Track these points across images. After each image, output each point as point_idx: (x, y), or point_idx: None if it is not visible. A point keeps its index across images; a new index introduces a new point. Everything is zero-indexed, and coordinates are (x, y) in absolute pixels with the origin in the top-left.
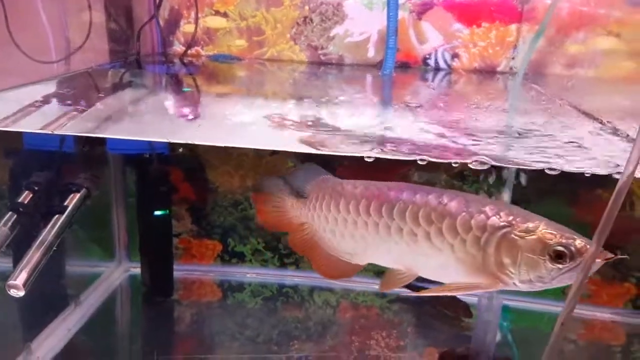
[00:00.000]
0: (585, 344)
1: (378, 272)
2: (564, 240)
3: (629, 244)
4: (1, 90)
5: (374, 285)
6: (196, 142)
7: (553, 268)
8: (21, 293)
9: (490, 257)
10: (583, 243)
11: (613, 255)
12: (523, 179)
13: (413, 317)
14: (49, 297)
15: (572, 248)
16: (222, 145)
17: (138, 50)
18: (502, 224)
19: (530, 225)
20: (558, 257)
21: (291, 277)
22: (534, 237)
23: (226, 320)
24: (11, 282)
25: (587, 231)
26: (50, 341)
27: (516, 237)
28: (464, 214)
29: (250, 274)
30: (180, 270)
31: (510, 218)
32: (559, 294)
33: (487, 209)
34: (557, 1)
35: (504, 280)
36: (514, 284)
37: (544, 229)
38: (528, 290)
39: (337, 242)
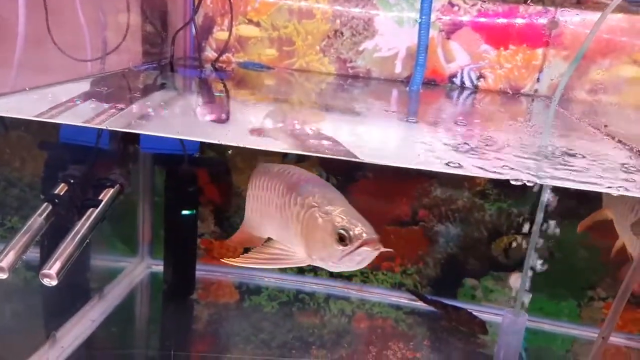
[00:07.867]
0: None
1: (394, 284)
2: (347, 224)
3: None
4: (45, 85)
5: (390, 297)
6: (231, 144)
7: (338, 249)
8: (54, 282)
9: (301, 229)
10: (361, 231)
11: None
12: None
13: (428, 331)
14: (74, 288)
15: (351, 233)
16: (251, 147)
17: (172, 54)
18: (312, 203)
19: (330, 208)
20: (341, 239)
21: (309, 283)
22: (328, 217)
23: (242, 322)
24: (45, 271)
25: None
26: (75, 331)
27: (317, 216)
28: (294, 193)
29: (268, 278)
30: (201, 270)
31: (319, 200)
32: (575, 317)
33: (314, 190)
34: (597, 28)
35: (308, 253)
36: (313, 258)
37: (337, 213)
38: (325, 266)
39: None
